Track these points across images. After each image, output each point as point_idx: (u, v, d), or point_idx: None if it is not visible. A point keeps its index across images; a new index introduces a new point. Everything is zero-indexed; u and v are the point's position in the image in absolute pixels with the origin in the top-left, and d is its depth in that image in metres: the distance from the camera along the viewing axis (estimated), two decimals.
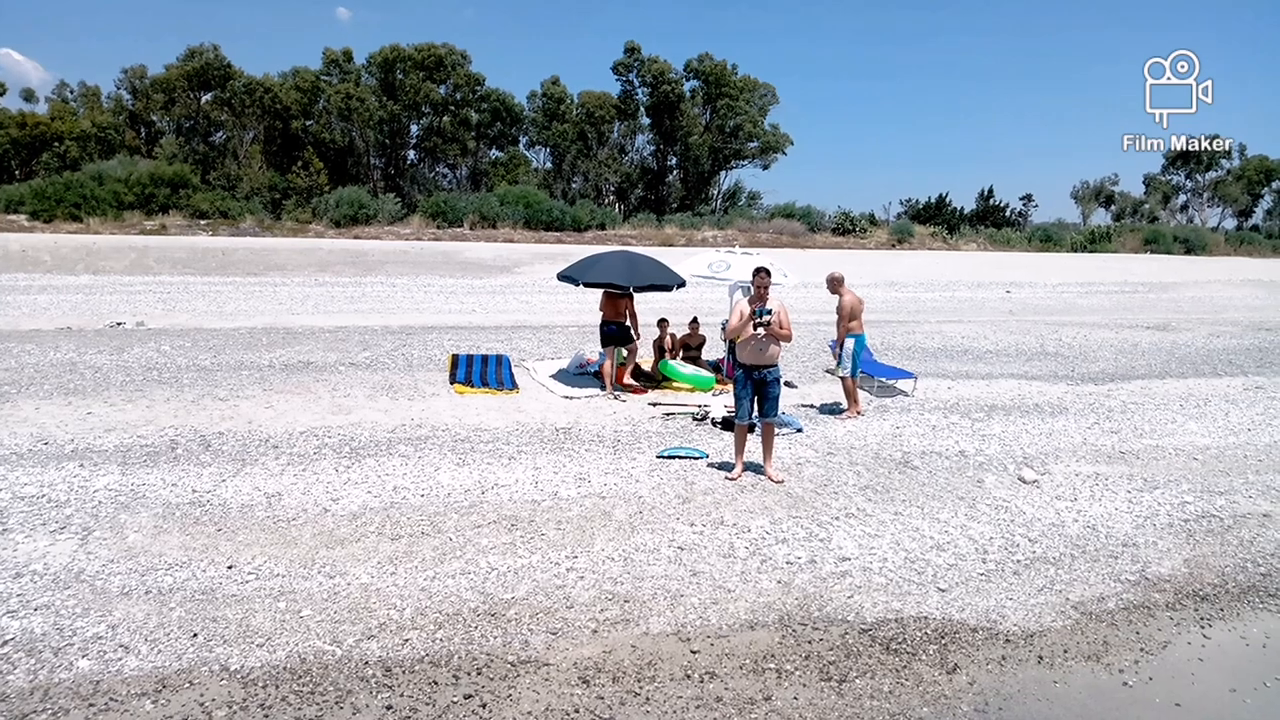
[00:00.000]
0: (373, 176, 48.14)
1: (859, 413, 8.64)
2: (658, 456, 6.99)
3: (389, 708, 3.49)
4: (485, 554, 4.97)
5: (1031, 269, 33.38)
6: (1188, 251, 49.97)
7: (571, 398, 9.16)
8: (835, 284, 8.65)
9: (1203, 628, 4.50)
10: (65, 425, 7.34)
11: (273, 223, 38.11)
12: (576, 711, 3.53)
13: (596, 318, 9.75)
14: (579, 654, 3.96)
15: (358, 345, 11.85)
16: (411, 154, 51.48)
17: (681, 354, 10.41)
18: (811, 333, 13.57)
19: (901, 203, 57.40)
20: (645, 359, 10.34)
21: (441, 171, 52.00)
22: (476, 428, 7.77)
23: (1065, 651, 4.18)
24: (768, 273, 6.70)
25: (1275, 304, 23.92)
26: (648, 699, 3.65)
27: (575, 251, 24.44)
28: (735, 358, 6.75)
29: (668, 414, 8.54)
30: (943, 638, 4.24)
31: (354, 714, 3.45)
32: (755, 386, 6.50)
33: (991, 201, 57.96)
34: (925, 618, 4.42)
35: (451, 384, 9.49)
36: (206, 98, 45.88)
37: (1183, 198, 64.92)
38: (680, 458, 6.98)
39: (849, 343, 8.49)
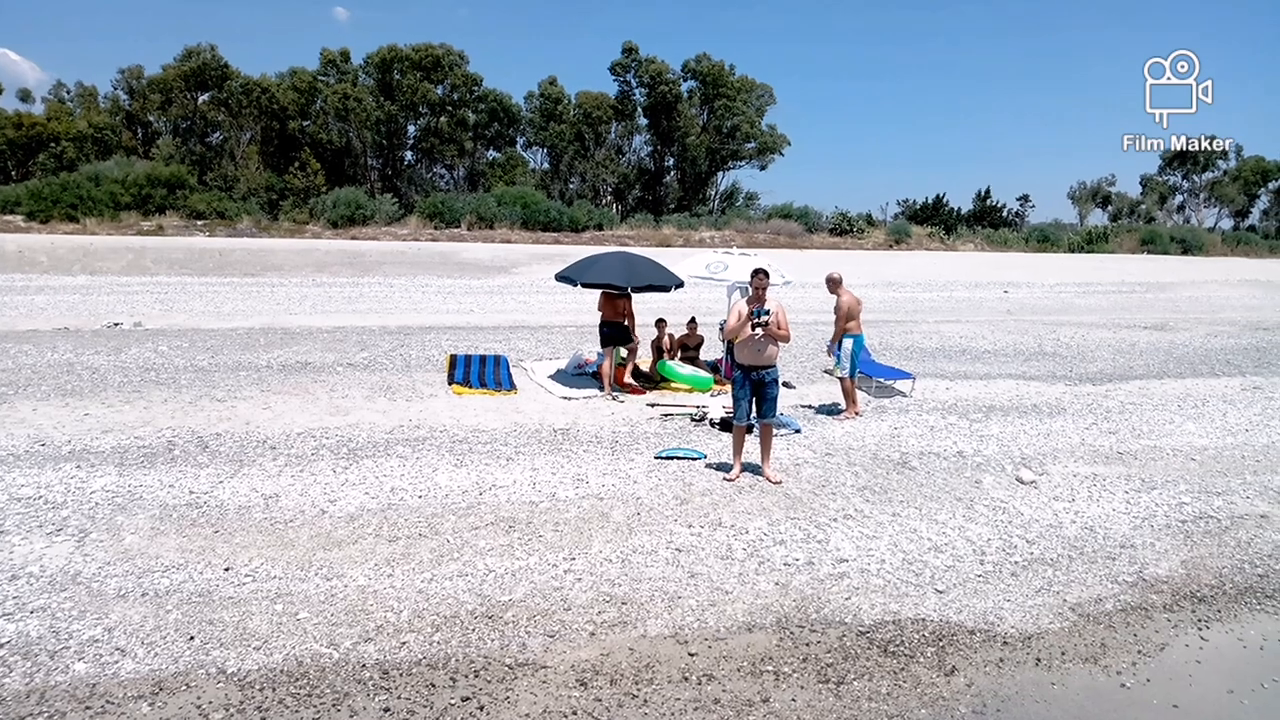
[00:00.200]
0: (370, 177, 48.13)
1: (857, 413, 8.64)
2: (656, 457, 6.99)
3: (386, 710, 3.49)
4: (483, 556, 4.97)
5: (1029, 269, 33.45)
6: (1184, 252, 50.10)
7: (570, 398, 9.16)
8: (833, 284, 8.66)
9: (1200, 629, 4.50)
10: (62, 426, 7.32)
11: (270, 223, 38.10)
12: (574, 714, 3.53)
13: (594, 318, 9.75)
14: (576, 656, 3.96)
15: (355, 346, 11.84)
16: (409, 154, 51.57)
17: (679, 354, 10.41)
18: (810, 333, 13.57)
19: (899, 203, 57.63)
20: (643, 359, 10.33)
21: (439, 172, 52.03)
22: (474, 428, 7.76)
23: (1063, 653, 4.18)
24: (765, 274, 6.70)
25: (1272, 304, 23.97)
26: (645, 701, 3.64)
27: (573, 252, 24.45)
28: (733, 358, 6.75)
29: (666, 415, 8.53)
30: (940, 640, 4.24)
31: (351, 716, 3.44)
32: (753, 387, 6.49)
33: (988, 202, 58.12)
34: (923, 619, 4.42)
35: (449, 385, 9.48)
36: (203, 98, 45.84)
37: (1179, 198, 65.13)
38: (678, 459, 6.97)
39: (847, 343, 8.49)
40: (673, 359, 10.18)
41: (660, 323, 10.51)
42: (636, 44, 51.02)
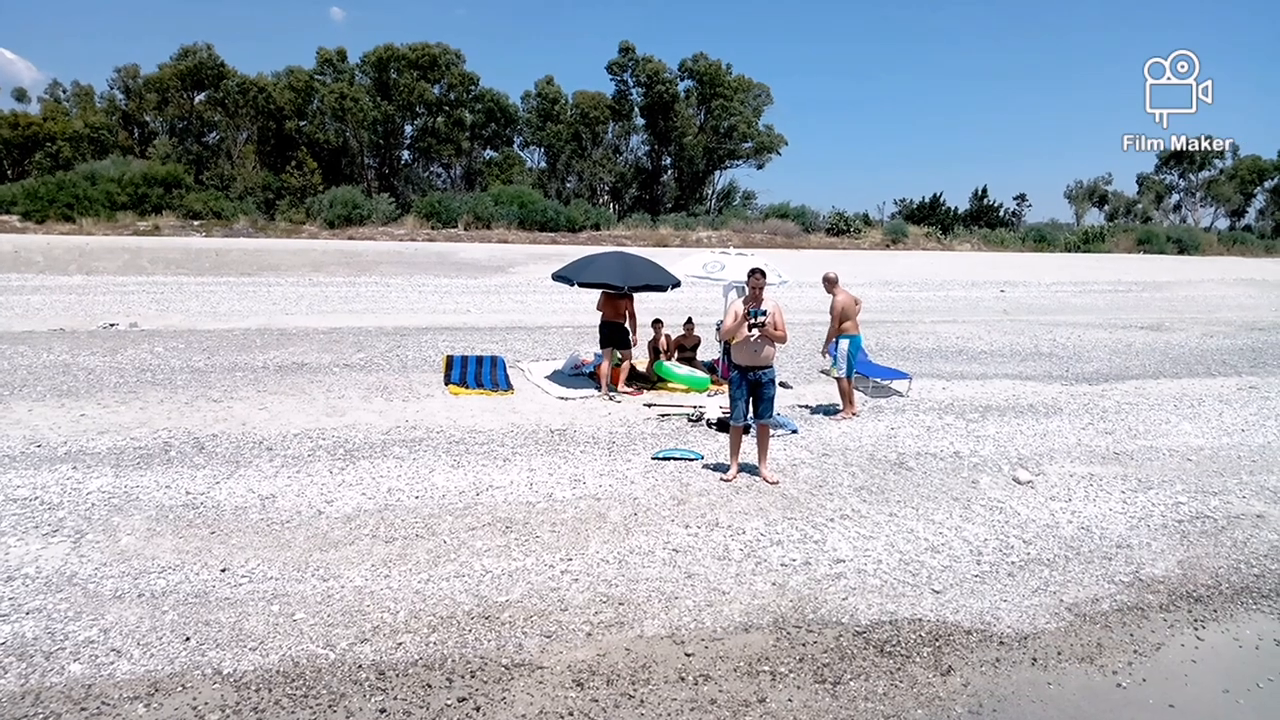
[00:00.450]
0: (367, 177, 48.06)
1: (854, 413, 8.65)
2: (653, 458, 6.99)
3: (382, 711, 3.48)
4: (479, 556, 4.97)
5: (1025, 269, 33.49)
6: (1181, 251, 50.19)
7: (567, 399, 9.15)
8: (830, 284, 8.66)
9: (1196, 629, 4.52)
10: (58, 427, 7.30)
11: (266, 223, 38.04)
12: (570, 714, 3.53)
13: (591, 318, 9.74)
14: (573, 657, 3.96)
15: (352, 346, 11.82)
16: (406, 154, 51.53)
17: (676, 355, 10.41)
18: (807, 333, 13.57)
19: (895, 203, 57.61)
20: (640, 360, 10.33)
21: (436, 172, 52.02)
22: (471, 429, 7.76)
23: (1059, 653, 4.19)
24: (762, 274, 6.70)
25: (1268, 303, 24.02)
26: (642, 702, 3.64)
27: (570, 252, 24.44)
28: (730, 358, 6.75)
29: (663, 415, 8.53)
30: (937, 640, 4.24)
31: (348, 717, 3.44)
32: (750, 387, 6.49)
33: (985, 201, 58.17)
34: (919, 620, 4.43)
35: (446, 385, 9.47)
36: (200, 97, 45.79)
37: (1176, 197, 65.25)
38: (675, 459, 6.97)
39: (843, 344, 8.50)
40: (669, 359, 10.18)
41: (657, 323, 10.51)
42: (633, 43, 51.17)
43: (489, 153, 51.68)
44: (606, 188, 53.22)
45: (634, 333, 9.51)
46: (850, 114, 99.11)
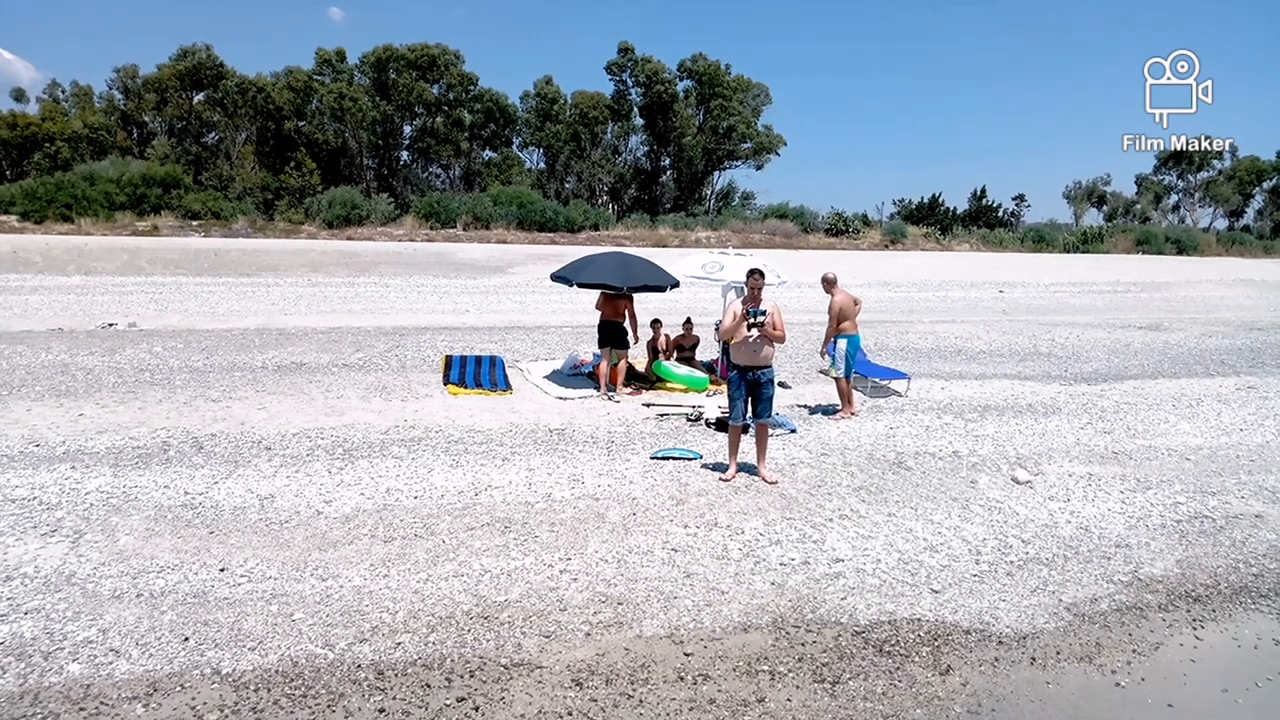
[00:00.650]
0: (366, 177, 48.04)
1: (853, 413, 8.65)
2: (652, 458, 6.99)
3: (381, 711, 3.48)
4: (478, 556, 4.96)
5: (1024, 269, 33.51)
6: (1179, 252, 50.20)
7: (565, 399, 9.15)
8: (828, 284, 8.67)
9: (1195, 629, 4.52)
10: (57, 427, 7.29)
11: (265, 223, 38.01)
12: (569, 714, 3.53)
13: (590, 318, 9.74)
14: (572, 656, 3.96)
15: (351, 346, 11.82)
16: (404, 154, 51.52)
17: (675, 355, 10.41)
18: (805, 333, 13.58)
19: (894, 203, 57.55)
20: (639, 360, 10.34)
21: (435, 172, 51.97)
22: (470, 429, 7.76)
23: (1058, 653, 4.19)
24: (761, 274, 6.71)
25: (1267, 304, 24.05)
26: (641, 701, 3.64)
27: (569, 252, 24.43)
28: (729, 358, 6.75)
29: (662, 415, 8.53)
30: (936, 639, 4.25)
31: (346, 717, 3.44)
32: (749, 387, 6.50)
33: (984, 202, 58.20)
34: (918, 619, 4.43)
35: (445, 385, 9.47)
36: (199, 98, 45.75)
37: (1174, 198, 65.28)
38: (674, 459, 6.97)
39: (842, 344, 8.50)
40: (668, 359, 10.18)
41: (656, 323, 10.50)
42: (632, 43, 51.14)
43: (488, 153, 51.68)
44: (605, 188, 53.20)
45: (635, 332, 9.51)
46: (849, 114, 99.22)
